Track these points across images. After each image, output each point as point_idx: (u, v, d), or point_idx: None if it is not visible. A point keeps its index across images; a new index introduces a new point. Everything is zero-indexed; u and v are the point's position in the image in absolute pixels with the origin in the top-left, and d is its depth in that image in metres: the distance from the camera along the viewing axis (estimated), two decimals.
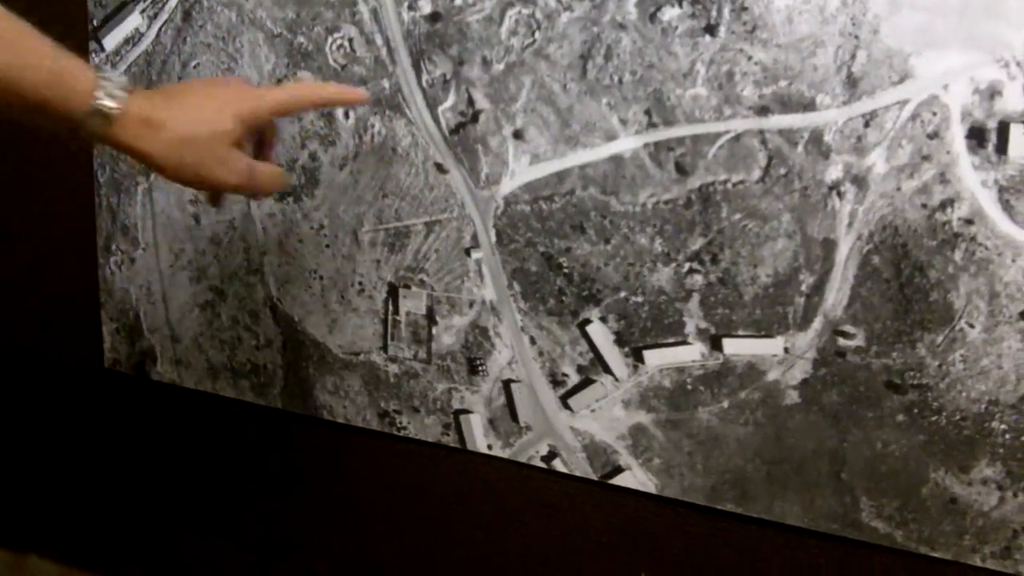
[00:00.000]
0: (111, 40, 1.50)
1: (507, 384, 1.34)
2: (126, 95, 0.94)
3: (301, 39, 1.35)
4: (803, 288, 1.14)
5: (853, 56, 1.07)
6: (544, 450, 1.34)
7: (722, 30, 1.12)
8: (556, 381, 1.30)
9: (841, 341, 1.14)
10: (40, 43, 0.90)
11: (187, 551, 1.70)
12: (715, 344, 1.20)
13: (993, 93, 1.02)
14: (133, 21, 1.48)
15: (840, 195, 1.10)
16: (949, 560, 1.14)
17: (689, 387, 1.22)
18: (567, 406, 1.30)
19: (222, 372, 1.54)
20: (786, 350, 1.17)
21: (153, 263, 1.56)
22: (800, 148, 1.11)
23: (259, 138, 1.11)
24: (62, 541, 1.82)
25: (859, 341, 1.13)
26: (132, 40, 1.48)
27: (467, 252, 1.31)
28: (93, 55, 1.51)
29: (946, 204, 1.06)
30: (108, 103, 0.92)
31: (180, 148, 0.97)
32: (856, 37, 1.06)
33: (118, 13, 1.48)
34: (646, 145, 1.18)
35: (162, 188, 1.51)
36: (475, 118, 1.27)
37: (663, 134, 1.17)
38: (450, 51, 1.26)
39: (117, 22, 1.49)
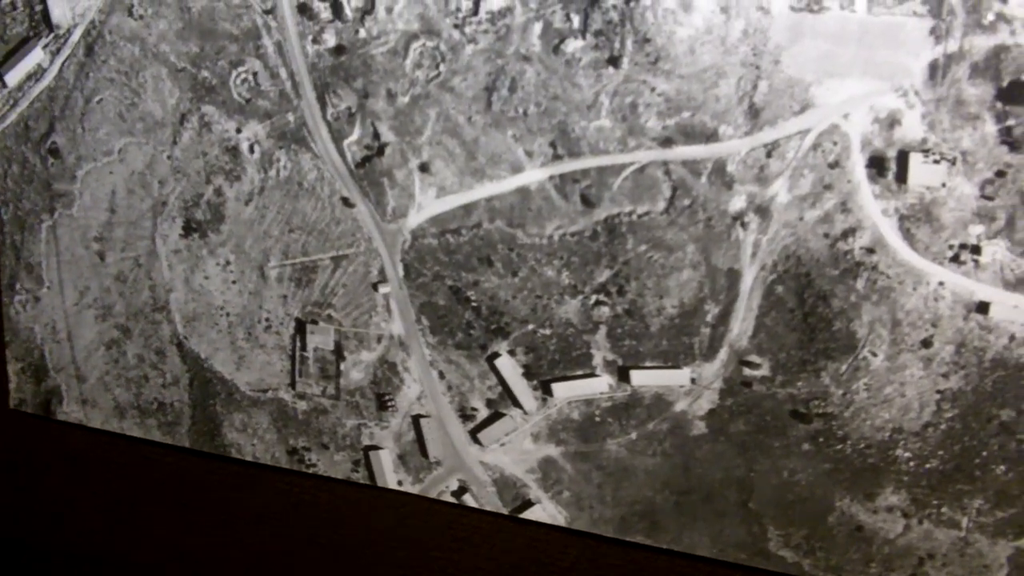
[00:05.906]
0: (13, 76, 1.39)
1: (416, 419, 1.26)
2: None
3: (205, 73, 1.27)
4: (708, 319, 1.08)
5: (755, 86, 1.01)
6: (454, 485, 1.26)
7: (625, 61, 1.06)
8: (465, 415, 1.22)
9: (747, 371, 1.08)
10: None
11: None
12: (623, 375, 1.13)
13: (893, 122, 0.97)
14: (35, 57, 1.37)
15: (744, 225, 1.05)
16: None
17: (598, 419, 1.16)
18: (477, 440, 1.23)
19: (129, 411, 1.44)
20: (693, 380, 1.11)
21: (58, 301, 1.45)
22: (704, 179, 1.05)
23: None
24: None
25: (764, 371, 1.07)
26: (35, 76, 1.38)
27: (375, 287, 1.23)
28: None
29: (848, 233, 1.01)
30: None
31: None
32: (757, 67, 1.01)
33: (20, 48, 1.38)
34: (552, 177, 1.11)
35: (66, 225, 1.40)
36: (381, 151, 1.19)
37: (568, 166, 1.10)
38: (355, 84, 1.18)
39: (19, 58, 1.38)
